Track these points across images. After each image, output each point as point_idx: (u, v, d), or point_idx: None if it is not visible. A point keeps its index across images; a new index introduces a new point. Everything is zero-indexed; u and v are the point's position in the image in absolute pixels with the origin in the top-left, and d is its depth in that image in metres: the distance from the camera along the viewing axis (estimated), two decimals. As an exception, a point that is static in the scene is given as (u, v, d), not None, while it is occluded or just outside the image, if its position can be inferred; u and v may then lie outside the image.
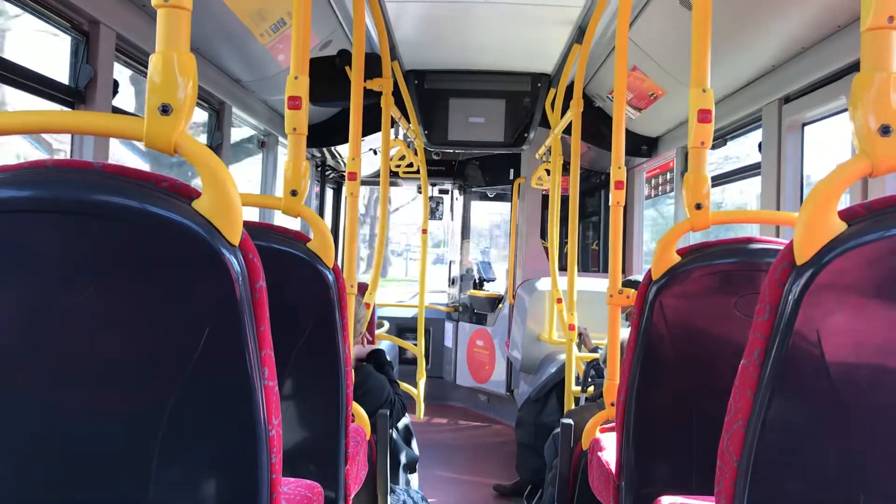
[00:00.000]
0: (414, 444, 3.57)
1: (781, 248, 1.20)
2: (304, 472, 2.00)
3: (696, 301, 1.86)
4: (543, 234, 6.51)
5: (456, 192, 7.79)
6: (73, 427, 1.16)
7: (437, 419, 6.70)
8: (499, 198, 7.73)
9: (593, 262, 7.00)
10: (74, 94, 2.57)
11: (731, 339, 1.82)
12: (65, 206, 1.08)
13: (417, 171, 6.04)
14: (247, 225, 1.17)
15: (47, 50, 2.64)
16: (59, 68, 2.56)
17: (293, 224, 4.55)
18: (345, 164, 6.53)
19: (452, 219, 7.91)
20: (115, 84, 2.74)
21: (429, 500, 3.17)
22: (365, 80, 3.13)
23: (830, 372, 1.12)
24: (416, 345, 6.00)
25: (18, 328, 1.13)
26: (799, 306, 1.10)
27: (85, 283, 1.11)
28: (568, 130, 4.00)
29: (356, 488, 2.21)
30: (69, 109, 2.57)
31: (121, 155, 3.78)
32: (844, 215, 1.12)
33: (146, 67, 3.19)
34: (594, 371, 3.78)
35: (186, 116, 1.11)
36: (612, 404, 2.51)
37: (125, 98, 2.90)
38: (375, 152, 6.33)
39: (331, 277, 1.93)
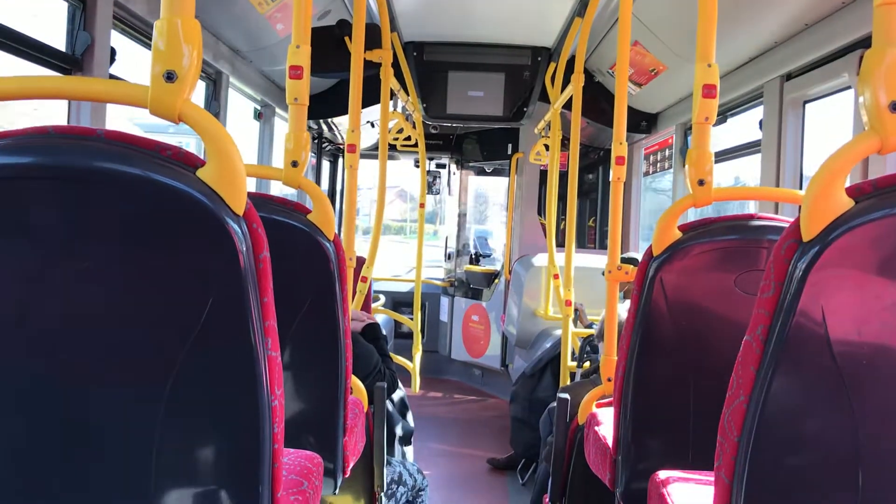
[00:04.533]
0: (409, 416, 3.59)
1: (783, 225, 1.20)
2: (304, 443, 2.00)
3: (697, 277, 1.86)
4: (541, 210, 6.50)
5: (453, 166, 7.76)
6: (75, 397, 1.15)
7: (432, 393, 6.74)
8: (496, 173, 7.71)
9: (589, 238, 7.01)
10: (71, 62, 2.54)
11: (730, 315, 1.83)
12: (67, 173, 1.06)
13: (415, 145, 6.00)
14: (248, 195, 1.16)
15: (44, 15, 2.61)
16: (55, 35, 2.53)
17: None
18: (342, 136, 6.51)
19: (450, 193, 7.89)
20: (113, 52, 2.70)
21: (423, 473, 3.19)
22: (364, 52, 3.09)
23: (833, 348, 1.13)
24: (412, 319, 6.01)
25: (20, 296, 1.12)
26: (804, 283, 1.10)
27: (88, 251, 1.10)
28: (568, 105, 3.98)
29: (354, 460, 2.22)
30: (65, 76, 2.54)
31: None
32: (852, 192, 1.12)
33: (143, 35, 3.15)
34: (589, 347, 3.80)
35: (191, 84, 1.09)
36: (609, 379, 2.53)
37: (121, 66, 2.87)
38: (373, 125, 6.29)
39: (331, 249, 1.92)
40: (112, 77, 2.73)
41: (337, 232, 2.00)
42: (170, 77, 1.08)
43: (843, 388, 1.15)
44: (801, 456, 1.20)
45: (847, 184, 1.14)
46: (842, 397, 1.15)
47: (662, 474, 1.72)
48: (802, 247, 1.12)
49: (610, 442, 2.07)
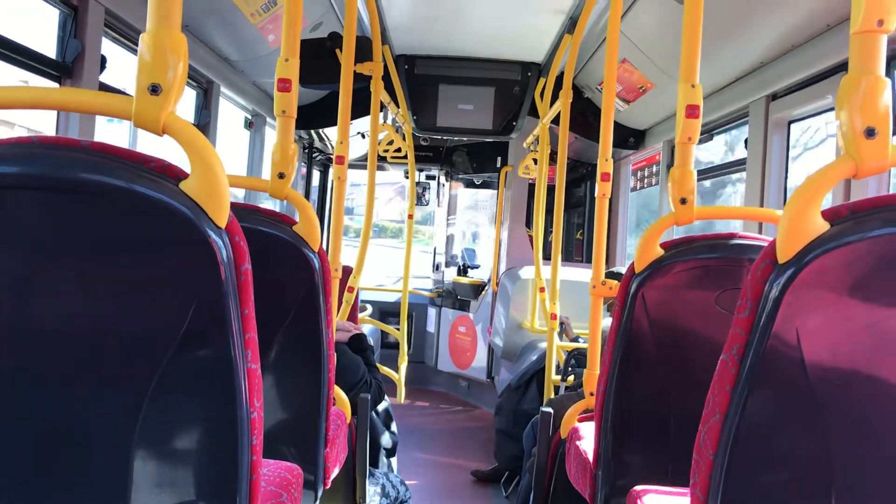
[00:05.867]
0: (394, 427, 3.58)
1: (764, 244, 1.21)
2: (284, 455, 2.00)
3: (678, 295, 1.88)
4: (528, 223, 6.53)
5: (443, 178, 7.79)
6: (53, 405, 1.15)
7: (417, 403, 6.73)
8: (485, 185, 7.73)
9: (577, 252, 7.03)
10: (61, 69, 2.54)
11: (711, 333, 1.84)
12: (51, 183, 1.07)
13: (405, 157, 6.02)
14: (233, 206, 1.17)
15: (34, 23, 2.61)
16: (46, 42, 2.53)
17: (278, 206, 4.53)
18: (332, 147, 6.52)
19: (439, 205, 7.91)
20: (103, 60, 2.71)
21: (407, 484, 3.18)
22: (355, 64, 3.11)
23: (807, 369, 1.14)
24: (398, 329, 6.01)
25: (2, 305, 1.12)
26: (779, 304, 1.12)
27: (70, 261, 1.10)
28: (556, 120, 4.01)
29: (336, 471, 2.22)
30: (55, 84, 2.54)
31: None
32: (828, 215, 1.14)
33: (135, 44, 3.16)
34: (574, 360, 3.82)
35: (176, 97, 1.10)
36: (592, 394, 2.54)
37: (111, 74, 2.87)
38: (363, 136, 6.31)
39: (316, 261, 1.93)
40: (102, 85, 2.74)
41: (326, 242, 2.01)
42: (154, 90, 1.09)
43: (817, 408, 1.16)
44: (774, 475, 1.21)
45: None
46: (816, 417, 1.17)
47: (640, 489, 1.73)
48: (778, 268, 1.13)
49: (591, 456, 2.08)
